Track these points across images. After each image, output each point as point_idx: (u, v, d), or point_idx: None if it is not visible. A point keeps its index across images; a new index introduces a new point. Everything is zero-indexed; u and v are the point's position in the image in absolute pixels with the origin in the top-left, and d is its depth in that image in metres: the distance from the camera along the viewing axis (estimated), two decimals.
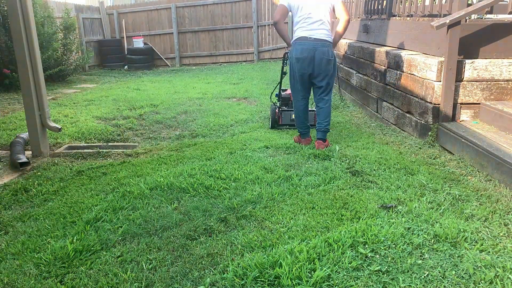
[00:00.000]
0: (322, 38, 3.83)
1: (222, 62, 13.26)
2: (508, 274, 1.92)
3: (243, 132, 4.83)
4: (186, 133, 4.99)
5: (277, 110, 4.92)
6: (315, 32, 3.83)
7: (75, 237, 2.46)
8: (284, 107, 5.01)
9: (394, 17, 5.39)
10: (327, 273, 1.97)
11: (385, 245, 2.20)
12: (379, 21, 5.77)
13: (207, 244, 2.33)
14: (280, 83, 5.07)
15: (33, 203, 3.05)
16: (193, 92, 7.91)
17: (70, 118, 5.68)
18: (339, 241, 2.23)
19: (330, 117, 4.03)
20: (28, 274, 2.14)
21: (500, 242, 2.19)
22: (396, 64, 4.55)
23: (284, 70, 4.78)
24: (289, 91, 4.94)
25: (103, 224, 2.63)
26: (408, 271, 1.99)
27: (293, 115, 4.45)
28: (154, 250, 2.31)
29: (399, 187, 2.95)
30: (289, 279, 1.94)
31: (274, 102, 5.11)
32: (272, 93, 5.34)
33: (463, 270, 1.98)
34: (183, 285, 1.99)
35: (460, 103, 3.81)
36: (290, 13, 4.00)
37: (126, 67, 12.97)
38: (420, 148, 3.80)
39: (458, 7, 3.74)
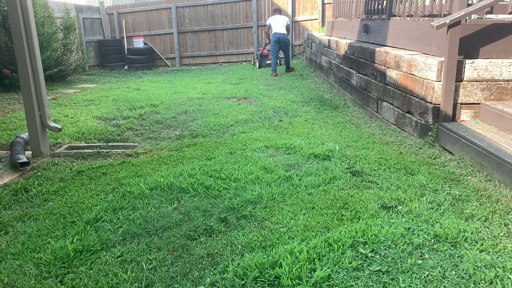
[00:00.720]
0: (283, 32, 9.74)
1: (222, 62, 13.27)
2: (508, 274, 1.92)
3: (243, 132, 4.83)
4: (186, 133, 4.99)
5: (256, 60, 11.44)
6: (280, 30, 9.73)
7: (75, 237, 2.46)
8: (261, 59, 11.21)
9: (394, 17, 5.39)
10: (327, 273, 1.97)
11: (385, 245, 2.20)
12: (379, 21, 5.78)
13: (207, 244, 2.33)
14: (256, 48, 11.98)
15: (33, 203, 3.05)
16: (193, 92, 7.91)
17: (70, 118, 5.68)
18: (339, 241, 2.23)
19: (289, 62, 10.08)
20: (28, 274, 2.14)
21: (500, 242, 2.19)
22: (396, 64, 4.55)
23: (267, 45, 11.15)
24: (264, 51, 11.28)
25: (103, 224, 2.63)
26: (408, 271, 1.99)
27: (267, 62, 10.98)
28: (154, 250, 2.31)
29: (399, 187, 2.95)
30: (289, 279, 1.94)
31: (256, 56, 11.51)
32: (256, 53, 11.74)
33: (463, 270, 1.98)
34: (183, 285, 1.99)
35: (460, 103, 3.81)
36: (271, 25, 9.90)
37: (126, 67, 12.97)
38: (420, 148, 3.80)
39: (458, 7, 3.74)
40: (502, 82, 3.75)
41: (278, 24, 9.70)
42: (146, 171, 3.56)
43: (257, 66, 11.12)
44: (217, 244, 2.33)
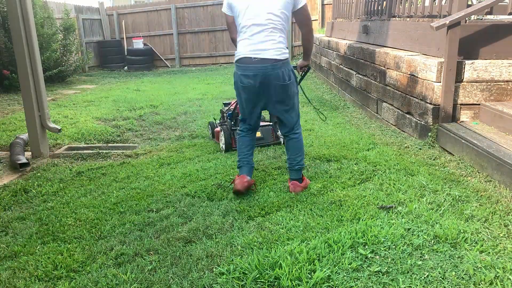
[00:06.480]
0: (275, 55, 2.91)
1: (222, 63, 13.26)
2: (508, 275, 1.92)
3: None
4: (186, 134, 4.98)
5: (231, 131, 4.12)
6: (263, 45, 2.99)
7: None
8: (231, 130, 4.14)
9: (394, 18, 5.39)
10: (327, 274, 1.97)
11: (385, 246, 2.19)
12: (379, 22, 5.78)
13: (207, 245, 2.32)
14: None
15: (32, 204, 3.05)
16: (193, 93, 7.91)
17: (69, 119, 5.68)
18: (339, 242, 2.22)
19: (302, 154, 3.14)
20: (28, 274, 2.14)
21: (500, 243, 2.19)
22: (396, 64, 4.55)
23: None
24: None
25: (103, 226, 2.63)
26: (408, 272, 1.98)
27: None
28: (153, 251, 2.31)
29: (399, 188, 2.94)
30: (289, 280, 1.93)
31: (220, 121, 4.61)
32: (223, 116, 4.67)
33: (463, 271, 1.97)
34: (183, 286, 1.99)
35: (460, 104, 3.81)
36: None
37: (126, 68, 12.97)
38: (420, 149, 3.80)
39: (458, 8, 3.74)
40: (502, 83, 3.75)
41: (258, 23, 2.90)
42: (146, 172, 3.55)
43: (223, 147, 4.11)
44: (217, 245, 2.32)
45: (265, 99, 2.94)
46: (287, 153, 3.11)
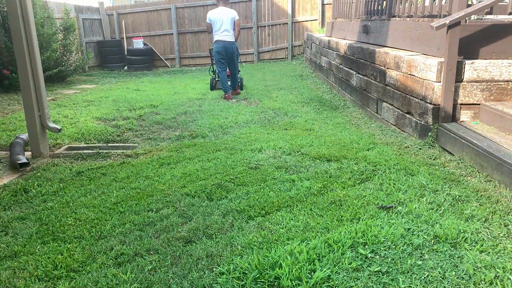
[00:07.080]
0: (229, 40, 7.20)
1: None
2: (508, 275, 1.92)
3: (243, 133, 4.83)
4: (186, 133, 4.98)
5: (214, 81, 8.25)
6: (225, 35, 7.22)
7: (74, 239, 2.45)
8: (218, 79, 7.97)
9: (394, 18, 5.40)
10: (327, 274, 1.97)
11: (385, 246, 2.19)
12: (379, 21, 5.78)
13: (207, 245, 2.33)
14: (212, 65, 8.17)
15: (32, 204, 3.05)
16: (193, 92, 7.91)
17: (69, 119, 5.68)
18: (339, 242, 2.23)
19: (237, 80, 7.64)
20: (27, 274, 2.14)
21: (500, 243, 2.19)
22: (396, 64, 4.55)
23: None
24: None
25: (103, 226, 2.63)
26: (408, 272, 1.98)
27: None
28: (153, 251, 2.31)
29: (399, 188, 2.94)
30: (289, 280, 1.93)
31: (211, 75, 8.43)
32: (209, 70, 9.17)
33: (463, 270, 1.98)
34: (183, 286, 1.99)
35: (460, 104, 3.81)
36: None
37: (126, 68, 12.97)
38: (420, 148, 3.80)
39: (458, 8, 3.74)
40: (502, 83, 3.75)
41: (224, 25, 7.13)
42: (146, 172, 3.55)
43: (210, 87, 8.37)
44: (217, 245, 2.32)
45: (226, 58, 7.21)
46: (231, 83, 7.45)
